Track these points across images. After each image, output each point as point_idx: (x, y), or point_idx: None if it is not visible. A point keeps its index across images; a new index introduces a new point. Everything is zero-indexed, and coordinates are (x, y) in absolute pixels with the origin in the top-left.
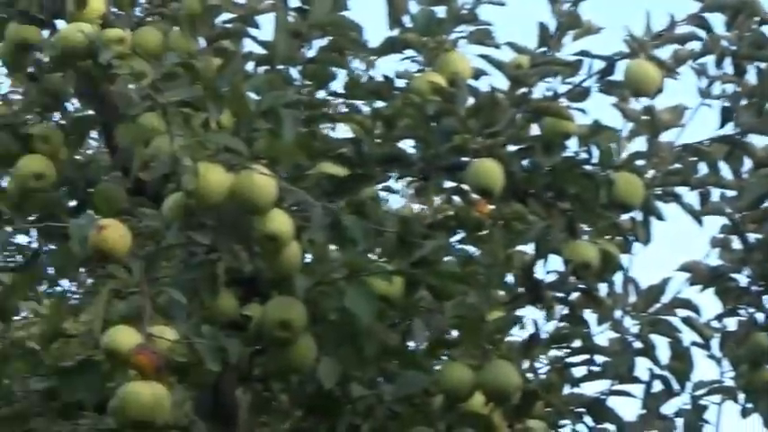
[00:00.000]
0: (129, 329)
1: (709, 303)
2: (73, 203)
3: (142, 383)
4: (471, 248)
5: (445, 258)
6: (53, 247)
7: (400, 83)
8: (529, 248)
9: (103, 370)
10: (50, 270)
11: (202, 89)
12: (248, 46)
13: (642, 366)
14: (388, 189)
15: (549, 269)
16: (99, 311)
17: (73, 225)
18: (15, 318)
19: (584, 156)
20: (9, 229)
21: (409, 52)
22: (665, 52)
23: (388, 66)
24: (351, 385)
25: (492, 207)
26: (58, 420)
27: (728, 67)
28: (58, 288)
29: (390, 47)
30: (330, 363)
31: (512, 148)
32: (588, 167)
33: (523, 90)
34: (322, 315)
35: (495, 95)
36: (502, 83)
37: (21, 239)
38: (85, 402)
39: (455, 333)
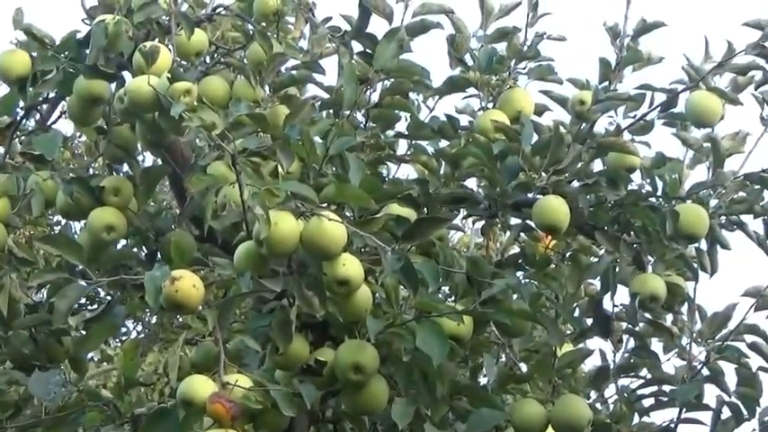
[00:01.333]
0: (203, 378)
1: None
2: (144, 253)
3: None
4: (538, 284)
5: (513, 295)
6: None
7: (462, 119)
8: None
9: (179, 418)
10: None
11: (272, 138)
12: (311, 89)
13: (710, 393)
14: (455, 227)
15: (616, 301)
16: (174, 361)
17: (147, 277)
18: None
19: (648, 188)
20: (83, 283)
21: (471, 90)
22: (724, 79)
23: (450, 105)
24: (424, 425)
25: (554, 241)
26: None
27: None
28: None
29: (452, 86)
30: (403, 403)
31: (576, 183)
32: (653, 200)
33: (587, 125)
34: (393, 356)
35: (560, 132)
36: (564, 117)
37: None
38: None
39: (523, 367)
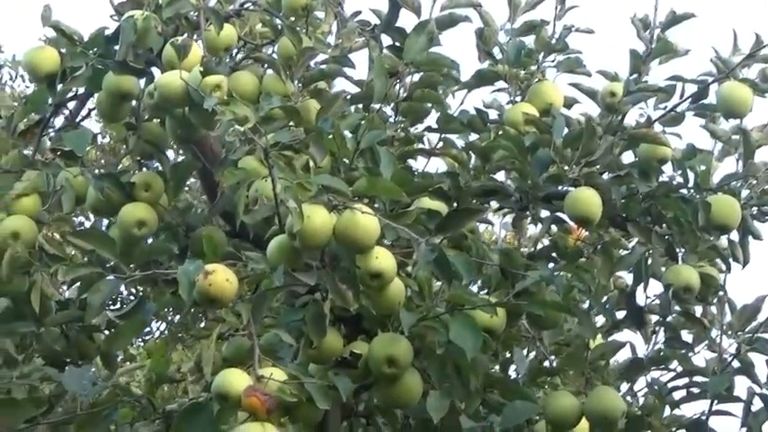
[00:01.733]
0: (238, 372)
1: None
2: (175, 249)
3: (254, 425)
4: (570, 276)
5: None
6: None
7: (492, 114)
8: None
9: (213, 412)
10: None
11: (304, 132)
12: (340, 84)
13: (741, 385)
14: (485, 221)
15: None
16: (209, 355)
17: (181, 271)
18: None
19: (679, 179)
20: (111, 276)
21: (500, 83)
22: (752, 70)
23: (477, 99)
24: (459, 418)
25: (585, 233)
26: None
27: None
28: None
29: (481, 79)
30: (437, 396)
31: (608, 175)
32: (685, 191)
33: (617, 117)
34: (427, 349)
35: (591, 124)
36: (591, 110)
37: None
38: None
39: (554, 360)
